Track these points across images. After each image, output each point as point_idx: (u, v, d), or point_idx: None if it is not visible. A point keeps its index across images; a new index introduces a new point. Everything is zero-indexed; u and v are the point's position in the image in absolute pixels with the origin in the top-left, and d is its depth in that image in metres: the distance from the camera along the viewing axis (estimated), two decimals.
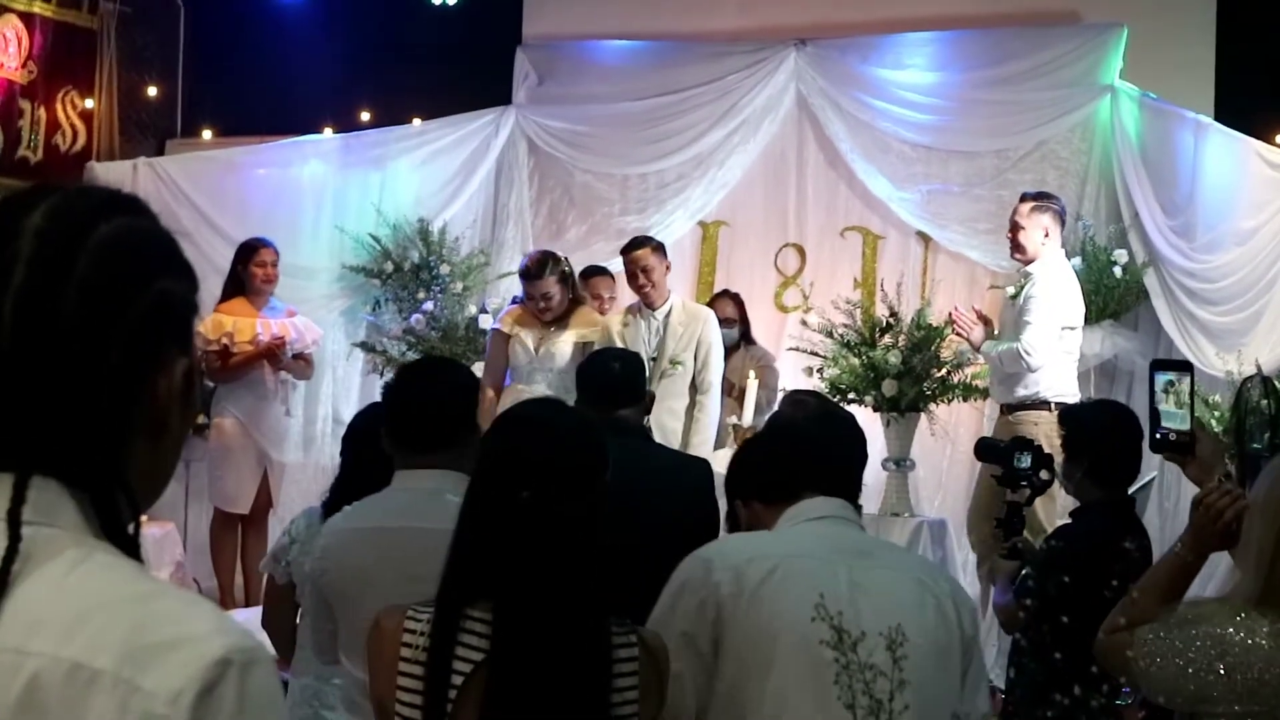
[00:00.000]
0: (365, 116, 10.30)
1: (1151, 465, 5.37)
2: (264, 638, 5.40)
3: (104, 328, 1.30)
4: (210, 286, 8.27)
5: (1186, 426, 3.22)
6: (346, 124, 10.20)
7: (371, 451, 4.06)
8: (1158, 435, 3.26)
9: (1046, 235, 7.45)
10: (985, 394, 7.90)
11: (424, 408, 3.62)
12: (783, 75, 9.47)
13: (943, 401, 7.97)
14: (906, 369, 7.80)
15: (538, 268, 7.72)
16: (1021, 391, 7.34)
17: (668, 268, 7.92)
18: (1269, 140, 8.14)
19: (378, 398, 8.85)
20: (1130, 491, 4.69)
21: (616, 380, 4.91)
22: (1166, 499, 7.83)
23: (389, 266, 9.56)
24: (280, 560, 4.54)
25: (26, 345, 1.28)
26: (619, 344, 7.41)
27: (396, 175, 9.91)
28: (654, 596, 3.06)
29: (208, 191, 9.76)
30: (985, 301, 8.53)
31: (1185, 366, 3.33)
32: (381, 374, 9.36)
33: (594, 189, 9.91)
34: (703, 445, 7.42)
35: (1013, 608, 4.52)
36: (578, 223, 9.91)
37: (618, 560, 2.79)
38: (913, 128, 9.21)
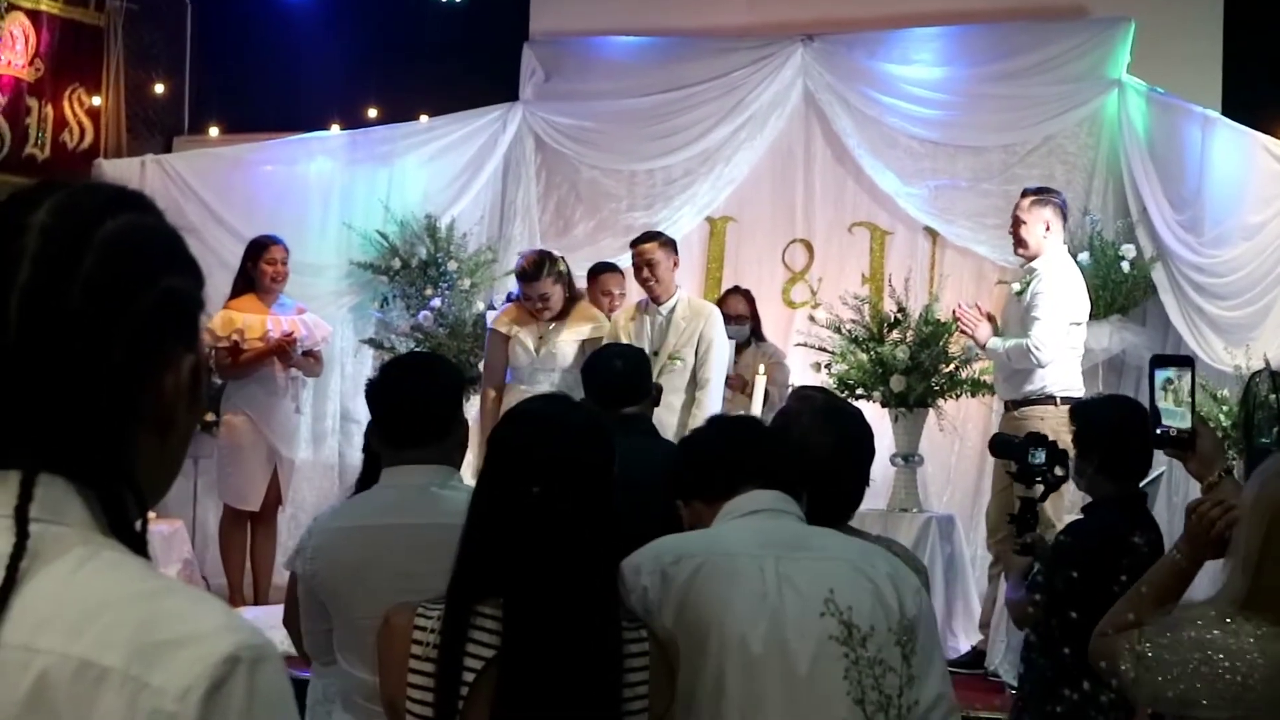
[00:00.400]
0: (372, 113, 10.30)
1: (1161, 460, 5.36)
2: (274, 635, 5.41)
3: (110, 324, 1.30)
4: (218, 283, 8.27)
5: (1187, 424, 3.22)
6: (354, 121, 10.21)
7: None
8: (1158, 431, 3.25)
9: (1048, 229, 7.43)
10: (993, 389, 7.89)
11: (409, 404, 3.62)
12: (790, 70, 9.47)
13: (951, 397, 7.97)
14: (914, 364, 7.80)
15: (534, 269, 7.69)
16: (1027, 387, 7.32)
17: (675, 264, 7.89)
18: (1277, 135, 8.12)
19: None
20: (1140, 486, 4.68)
21: (619, 377, 4.92)
22: (1175, 494, 7.81)
23: (396, 263, 9.56)
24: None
25: (32, 342, 1.28)
26: (623, 339, 7.41)
27: (404, 172, 9.92)
28: None
29: (215, 188, 9.78)
30: (993, 297, 8.52)
31: (1186, 362, 3.32)
32: None
33: (601, 185, 9.91)
34: None
35: (1024, 603, 4.52)
36: (585, 219, 9.91)
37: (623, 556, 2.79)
38: (920, 123, 9.20)
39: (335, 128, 10.15)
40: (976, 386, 7.87)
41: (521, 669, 2.58)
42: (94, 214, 1.33)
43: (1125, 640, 2.93)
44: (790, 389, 7.52)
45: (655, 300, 7.76)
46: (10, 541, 1.23)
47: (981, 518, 8.08)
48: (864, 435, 3.45)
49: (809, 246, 9.61)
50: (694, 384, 7.61)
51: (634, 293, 8.39)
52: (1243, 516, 2.88)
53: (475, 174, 9.93)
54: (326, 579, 3.61)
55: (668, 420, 7.41)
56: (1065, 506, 6.89)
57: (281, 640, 5.28)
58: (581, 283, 9.06)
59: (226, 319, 8.35)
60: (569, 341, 7.73)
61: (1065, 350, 7.35)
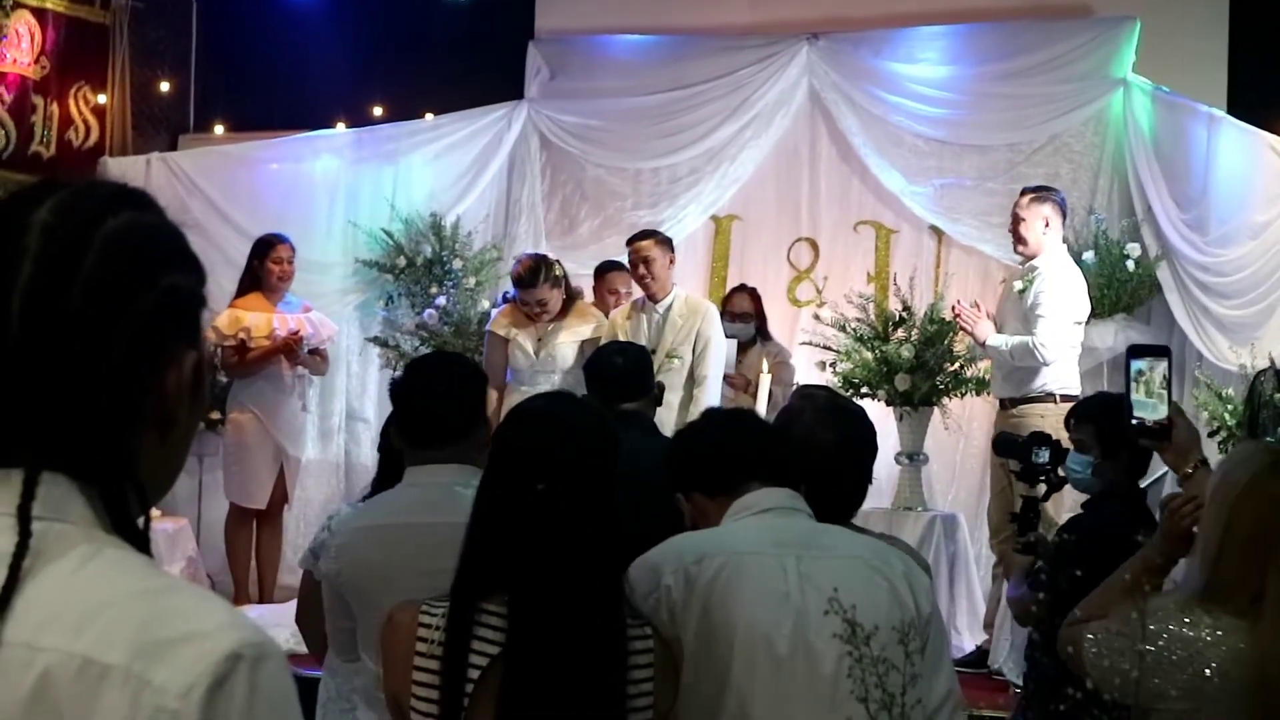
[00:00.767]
0: (378, 111, 10.31)
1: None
2: (279, 633, 5.42)
3: (111, 323, 1.30)
4: (224, 281, 8.29)
5: (1159, 415, 3.21)
6: (359, 118, 10.21)
7: None
8: (1133, 422, 3.25)
9: (1047, 225, 7.41)
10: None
11: (433, 403, 3.62)
12: (795, 69, 9.46)
13: (956, 396, 7.97)
14: (919, 363, 7.80)
15: (530, 275, 7.68)
16: (1028, 385, 7.30)
17: (671, 262, 7.89)
18: None
19: None
20: (1143, 485, 4.68)
21: (620, 373, 4.93)
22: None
23: (401, 261, 9.56)
24: (319, 555, 4.52)
25: (34, 340, 1.28)
26: (621, 337, 7.41)
27: (409, 170, 9.91)
28: None
29: (221, 186, 9.78)
30: (998, 295, 8.51)
31: (1161, 352, 3.31)
32: (395, 369, 9.36)
33: (606, 183, 9.91)
34: None
35: (1027, 601, 4.51)
36: (590, 217, 9.91)
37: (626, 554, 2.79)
38: (925, 121, 9.20)
39: (341, 126, 10.15)
40: (981, 385, 7.87)
41: (526, 666, 2.58)
42: (95, 212, 1.33)
43: (1089, 630, 2.94)
44: (794, 387, 7.52)
45: (652, 298, 7.76)
46: (13, 540, 1.23)
47: (986, 516, 8.07)
48: (867, 433, 3.45)
49: (814, 245, 9.61)
50: (692, 382, 7.61)
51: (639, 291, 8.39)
52: (1206, 507, 2.89)
53: (480, 172, 9.93)
54: (351, 577, 3.61)
55: (666, 418, 7.40)
56: (1067, 506, 6.88)
57: (288, 638, 5.30)
58: (584, 281, 9.07)
59: (233, 317, 8.35)
60: (568, 343, 7.73)
61: (1067, 349, 7.35)
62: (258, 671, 1.21)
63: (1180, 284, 8.34)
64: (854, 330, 8.03)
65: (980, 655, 7.36)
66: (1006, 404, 7.43)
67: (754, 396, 7.97)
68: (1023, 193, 7.58)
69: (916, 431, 7.95)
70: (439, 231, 9.62)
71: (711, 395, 7.61)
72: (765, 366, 8.14)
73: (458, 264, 9.53)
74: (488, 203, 10.02)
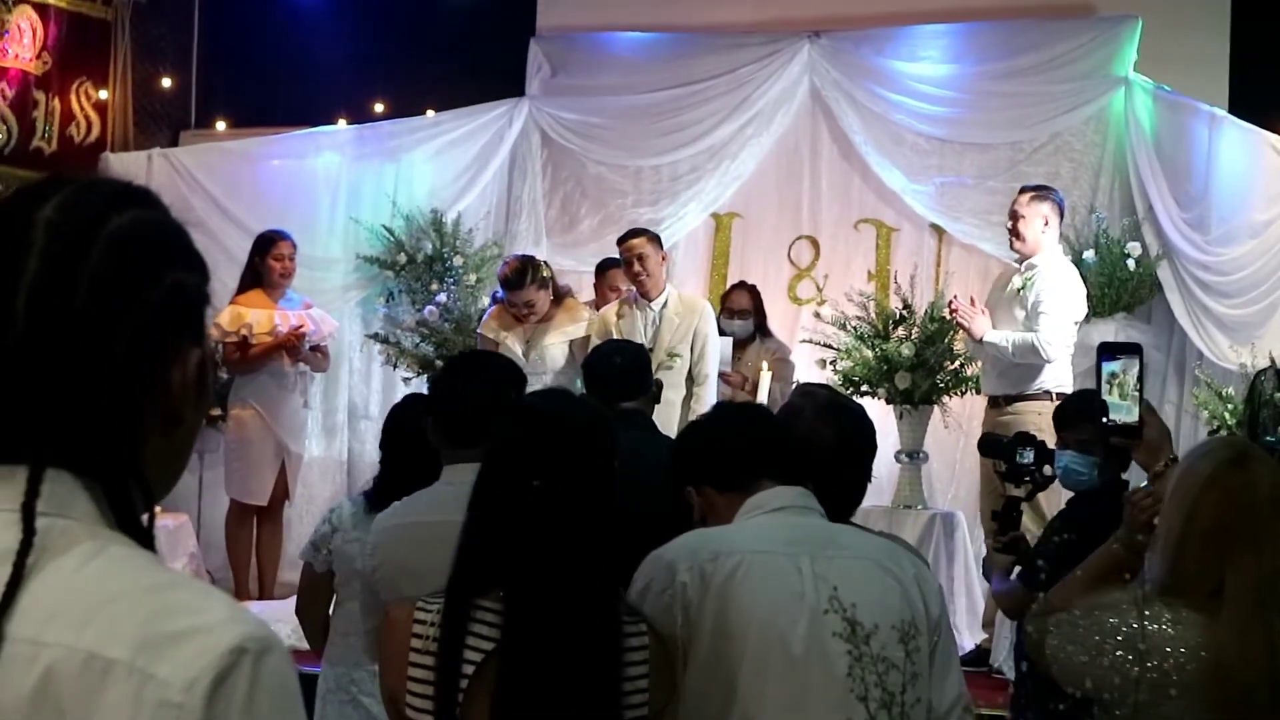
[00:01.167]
0: (379, 108, 10.31)
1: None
2: (281, 629, 5.43)
3: (116, 320, 1.30)
4: (225, 277, 8.29)
5: (1133, 418, 3.22)
6: (360, 115, 10.21)
7: (412, 442, 4.08)
8: (1104, 420, 3.26)
9: (1046, 224, 7.40)
10: None
11: (471, 401, 3.61)
12: (797, 67, 9.47)
13: (956, 394, 7.97)
14: (919, 361, 7.80)
15: (517, 277, 7.68)
16: (1026, 383, 7.28)
17: (664, 259, 7.89)
18: None
19: (398, 388, 8.93)
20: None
21: (619, 373, 4.92)
22: None
23: (402, 258, 9.56)
24: (321, 549, 4.52)
25: (39, 338, 1.28)
26: (613, 334, 7.41)
27: (410, 166, 9.91)
28: None
29: (223, 182, 9.78)
30: (989, 291, 8.51)
31: (1134, 350, 3.32)
32: (395, 366, 9.36)
33: (607, 181, 9.91)
34: None
35: (1018, 594, 4.51)
36: (591, 214, 9.91)
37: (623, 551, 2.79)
38: (927, 120, 9.20)
39: (342, 122, 10.15)
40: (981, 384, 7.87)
41: (521, 662, 2.58)
42: (100, 210, 1.33)
43: (1051, 623, 2.95)
44: (794, 385, 7.52)
45: (645, 296, 7.74)
46: (17, 536, 1.24)
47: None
48: (867, 431, 3.45)
49: (815, 243, 9.61)
50: (690, 380, 7.60)
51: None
52: (1167, 499, 2.89)
53: (481, 169, 9.93)
54: (386, 574, 3.61)
55: (667, 417, 7.40)
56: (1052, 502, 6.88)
57: (289, 634, 5.32)
58: (585, 278, 9.07)
59: (235, 314, 8.36)
60: (557, 344, 7.73)
61: (1068, 347, 7.35)
62: (261, 665, 1.21)
63: (1181, 283, 8.35)
64: (854, 328, 8.03)
65: (980, 654, 7.36)
66: (1000, 401, 7.37)
67: (753, 394, 7.96)
68: (1022, 190, 7.57)
69: (916, 430, 7.96)
70: (440, 228, 9.62)
71: (712, 393, 7.61)
72: (765, 364, 8.14)
73: (458, 261, 9.53)
74: (489, 200, 10.02)
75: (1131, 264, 8.31)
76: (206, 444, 8.83)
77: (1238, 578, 2.74)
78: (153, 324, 1.32)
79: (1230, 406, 7.29)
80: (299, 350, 8.53)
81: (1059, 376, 7.28)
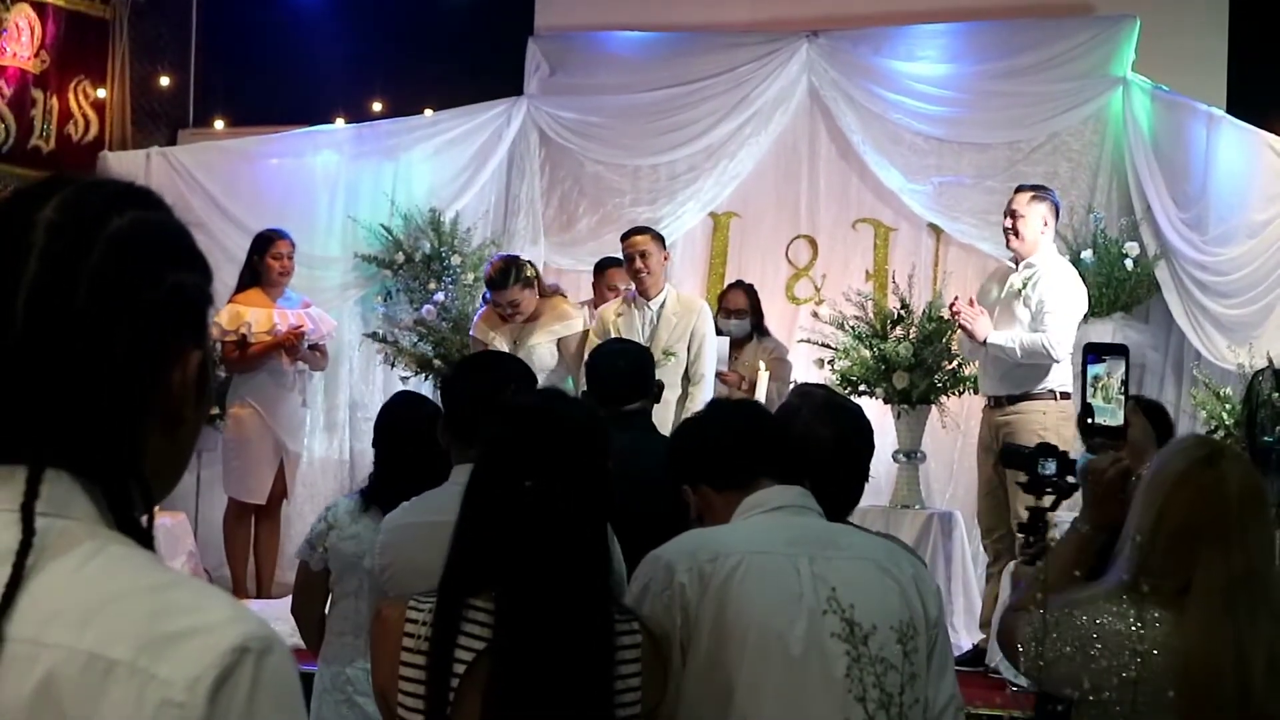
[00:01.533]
0: (377, 107, 10.31)
1: None
2: (279, 628, 5.43)
3: (116, 321, 1.30)
4: (224, 275, 8.28)
5: (1118, 421, 3.22)
6: (359, 114, 10.21)
7: (406, 440, 4.07)
8: (1089, 421, 3.26)
9: (1045, 225, 7.38)
10: None
11: (481, 401, 3.59)
12: (795, 67, 9.47)
13: (954, 394, 7.97)
14: (917, 361, 7.80)
15: (500, 277, 7.67)
16: (1031, 383, 7.25)
17: (665, 258, 7.90)
18: None
19: (399, 386, 8.93)
20: None
21: (623, 374, 4.90)
22: None
23: (400, 257, 9.56)
24: (317, 547, 4.51)
25: (40, 338, 1.28)
26: (612, 333, 7.41)
27: (409, 166, 9.91)
28: None
29: (221, 181, 9.78)
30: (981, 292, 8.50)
31: (1119, 351, 3.32)
32: (393, 365, 9.36)
33: (605, 180, 9.91)
34: None
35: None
36: (589, 213, 9.91)
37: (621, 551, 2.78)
38: (925, 119, 9.20)
39: (340, 121, 10.15)
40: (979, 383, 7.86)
41: (512, 661, 2.58)
42: (101, 210, 1.33)
43: (1025, 621, 2.94)
44: (793, 384, 7.52)
45: (644, 294, 7.75)
46: (16, 536, 1.24)
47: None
48: (864, 431, 3.44)
49: (813, 243, 9.61)
50: (687, 379, 7.61)
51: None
52: (1138, 496, 2.88)
53: (480, 168, 9.93)
54: (395, 574, 3.60)
55: (661, 416, 7.38)
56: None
57: (288, 634, 5.31)
58: (583, 277, 9.07)
59: (234, 313, 8.36)
60: (543, 343, 7.72)
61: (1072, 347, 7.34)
62: (263, 664, 1.22)
63: (1179, 283, 8.35)
64: (852, 328, 8.03)
65: (977, 654, 7.36)
66: (1002, 401, 7.31)
67: (751, 394, 7.96)
68: (1019, 190, 7.52)
69: (914, 429, 7.96)
70: (438, 227, 9.62)
71: (708, 394, 7.60)
72: (762, 364, 8.14)
73: (456, 260, 9.53)
74: (487, 199, 10.02)
75: (1129, 264, 8.31)
76: (205, 442, 8.82)
77: (1206, 576, 2.74)
78: (153, 325, 1.32)
79: (1228, 406, 7.30)
80: (298, 349, 8.53)
81: (1061, 376, 7.25)
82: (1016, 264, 7.40)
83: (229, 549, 8.65)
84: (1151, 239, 8.45)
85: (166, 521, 8.36)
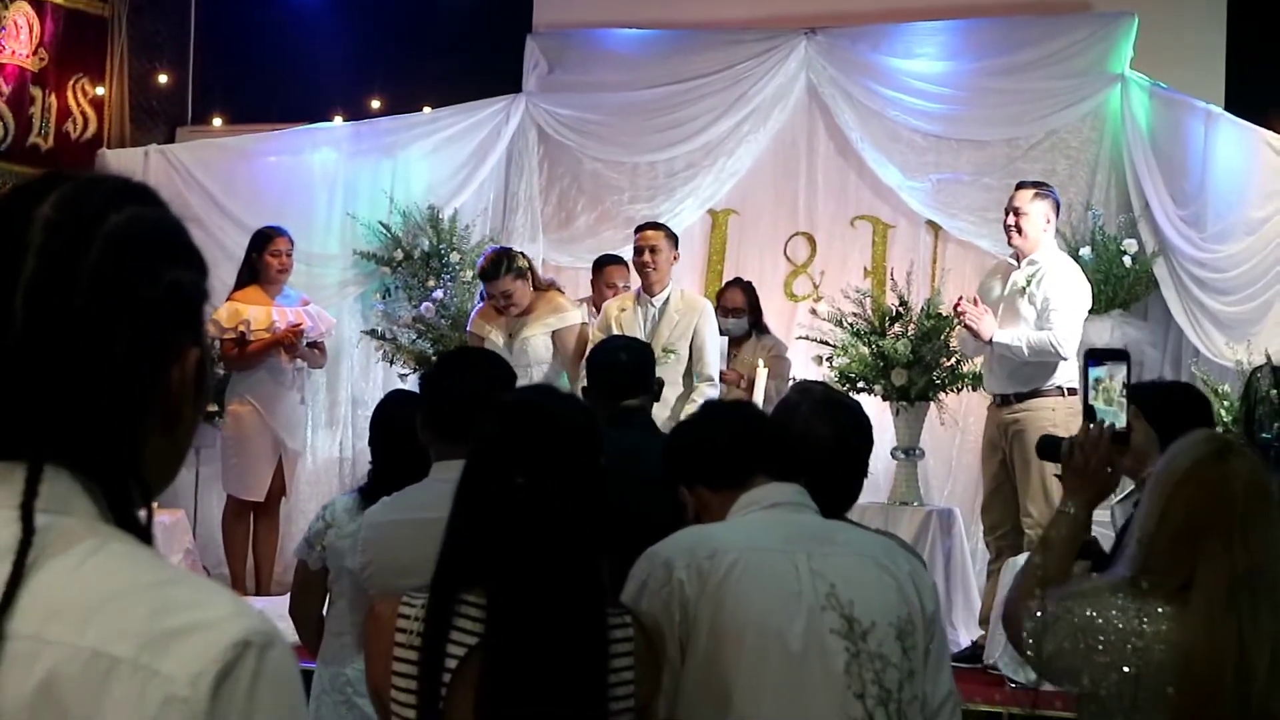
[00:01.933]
0: (376, 104, 10.32)
1: None
2: (280, 625, 5.43)
3: (114, 318, 1.30)
4: (222, 273, 8.28)
5: (1121, 422, 3.22)
6: (357, 111, 10.22)
7: (402, 438, 4.07)
8: (1090, 425, 3.26)
9: (1048, 222, 7.38)
10: None
11: (462, 398, 3.60)
12: (793, 64, 9.47)
13: (952, 391, 7.97)
14: (916, 358, 7.80)
15: (493, 268, 7.67)
16: (1039, 380, 7.22)
17: (675, 258, 7.91)
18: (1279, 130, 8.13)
19: (398, 383, 8.92)
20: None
21: (624, 371, 4.89)
22: None
23: (399, 254, 9.56)
24: (314, 546, 4.49)
25: (37, 335, 1.28)
26: (615, 329, 7.41)
27: (407, 163, 9.91)
28: None
29: (220, 178, 9.78)
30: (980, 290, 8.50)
31: (1120, 356, 3.31)
32: (391, 362, 9.36)
33: (604, 177, 9.91)
34: None
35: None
36: (587, 210, 9.91)
37: (616, 550, 2.78)
38: (923, 117, 9.21)
39: (339, 119, 10.16)
40: (978, 380, 7.86)
41: (505, 657, 2.58)
42: (99, 207, 1.33)
43: (1026, 611, 2.94)
44: (792, 382, 7.52)
45: (649, 289, 7.76)
46: (16, 534, 1.24)
47: (979, 512, 8.06)
48: (863, 427, 3.45)
49: (811, 240, 9.62)
50: (689, 377, 7.61)
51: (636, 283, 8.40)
52: (1146, 494, 2.89)
53: (478, 165, 9.93)
54: (376, 572, 3.60)
55: (661, 414, 7.38)
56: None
57: (289, 632, 5.30)
58: (582, 274, 9.06)
59: (232, 310, 8.36)
60: (538, 335, 7.71)
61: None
62: (265, 658, 1.22)
63: (1177, 280, 8.35)
64: (850, 325, 8.03)
65: (975, 650, 7.36)
66: (1010, 399, 7.28)
67: (749, 391, 7.97)
68: (1021, 186, 7.51)
69: (913, 426, 7.96)
70: (437, 224, 9.62)
71: (712, 394, 7.61)
72: (761, 361, 8.14)
73: (455, 257, 9.52)
74: (485, 196, 10.02)
75: (1128, 261, 8.31)
76: (203, 440, 8.83)
77: (1209, 572, 2.73)
78: (152, 322, 1.32)
79: (1226, 403, 7.30)
80: (296, 347, 8.53)
81: (1068, 373, 7.24)
82: (1018, 261, 7.40)
83: (228, 547, 8.66)
84: (1150, 236, 8.45)
85: (165, 519, 8.36)
